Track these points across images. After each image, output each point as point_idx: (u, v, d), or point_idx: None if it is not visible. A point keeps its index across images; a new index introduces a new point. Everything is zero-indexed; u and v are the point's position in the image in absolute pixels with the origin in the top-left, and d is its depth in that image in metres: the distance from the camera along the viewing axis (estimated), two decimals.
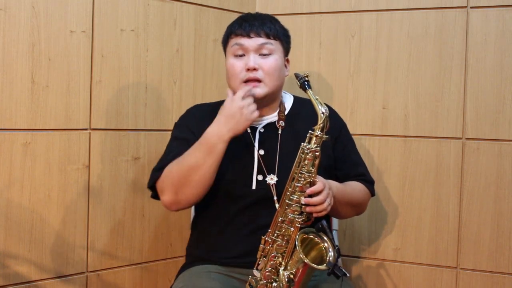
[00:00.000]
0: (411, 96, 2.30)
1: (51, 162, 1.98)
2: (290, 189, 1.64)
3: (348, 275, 1.56)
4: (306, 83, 1.69)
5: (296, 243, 1.60)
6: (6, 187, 1.90)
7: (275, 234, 1.65)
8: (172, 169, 1.74)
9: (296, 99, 1.94)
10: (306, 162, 1.63)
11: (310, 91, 1.69)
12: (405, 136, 2.32)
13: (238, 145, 1.79)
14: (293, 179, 1.65)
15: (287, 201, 1.64)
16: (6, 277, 1.89)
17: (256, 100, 1.77)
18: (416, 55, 2.29)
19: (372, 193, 1.96)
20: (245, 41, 1.79)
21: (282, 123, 1.85)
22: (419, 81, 2.29)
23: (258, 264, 1.66)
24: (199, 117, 1.87)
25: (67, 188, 2.02)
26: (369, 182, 1.94)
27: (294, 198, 1.63)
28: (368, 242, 2.39)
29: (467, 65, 2.23)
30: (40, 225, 1.96)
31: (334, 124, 1.75)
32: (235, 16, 2.41)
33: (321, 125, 1.64)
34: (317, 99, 1.66)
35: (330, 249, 1.61)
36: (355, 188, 1.88)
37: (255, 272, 1.66)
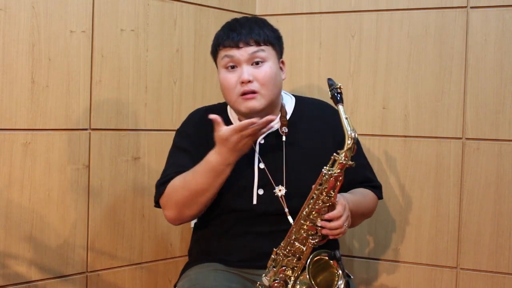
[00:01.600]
0: (411, 96, 2.30)
1: (51, 162, 1.98)
2: (307, 209, 1.58)
3: None
4: (338, 95, 1.59)
5: (307, 265, 1.56)
6: (6, 187, 1.90)
7: (287, 250, 1.61)
8: (177, 189, 1.71)
9: (298, 99, 1.88)
10: (327, 185, 1.55)
11: (341, 106, 1.58)
12: (405, 136, 2.32)
13: (239, 160, 1.71)
14: (312, 198, 1.58)
15: (301, 221, 1.59)
16: (6, 277, 1.89)
17: (255, 112, 1.70)
18: (416, 55, 2.29)
19: (380, 197, 1.91)
20: (235, 53, 1.70)
21: (285, 129, 1.77)
22: (419, 81, 2.29)
23: (268, 271, 1.63)
24: (200, 124, 1.82)
25: (67, 188, 2.02)
26: (377, 188, 1.89)
27: (310, 218, 1.58)
28: (368, 242, 2.38)
29: (467, 65, 2.23)
30: (40, 225, 1.96)
31: (337, 125, 1.65)
32: (235, 16, 2.41)
33: (347, 150, 1.54)
34: (347, 118, 1.55)
35: (341, 279, 1.58)
36: (365, 196, 1.83)
37: (264, 279, 1.63)
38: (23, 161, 1.92)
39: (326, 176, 1.55)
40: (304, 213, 1.58)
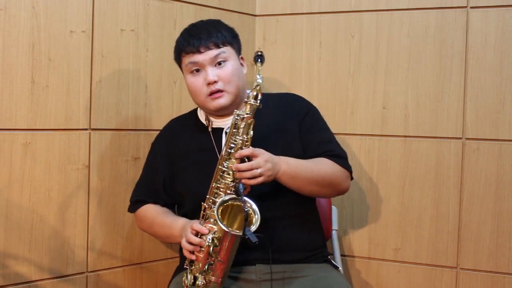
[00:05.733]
0: (411, 96, 2.30)
1: (51, 162, 1.98)
2: (225, 156, 1.67)
3: (257, 242, 1.55)
4: (258, 58, 1.71)
5: (215, 210, 1.62)
6: (6, 187, 1.90)
7: (211, 200, 1.68)
8: (147, 227, 1.96)
9: (263, 95, 1.90)
10: (240, 130, 1.66)
11: (259, 63, 1.70)
12: (405, 136, 2.32)
13: (204, 155, 1.84)
14: (229, 146, 1.67)
15: (221, 167, 1.67)
16: (6, 277, 1.89)
17: (224, 108, 1.81)
18: (416, 55, 2.29)
19: (347, 168, 1.86)
20: (198, 58, 1.80)
21: None
22: (419, 81, 2.29)
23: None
24: (170, 136, 1.96)
25: (67, 188, 2.02)
26: (338, 157, 1.84)
27: (228, 165, 1.66)
28: (368, 242, 2.38)
29: (467, 65, 2.23)
30: (40, 225, 1.96)
31: (299, 108, 1.80)
32: (235, 16, 2.41)
33: (254, 93, 1.66)
34: (259, 69, 1.68)
35: (247, 207, 1.61)
36: (317, 162, 1.81)
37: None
38: (23, 161, 1.92)
39: (237, 117, 1.66)
40: (221, 158, 1.68)
